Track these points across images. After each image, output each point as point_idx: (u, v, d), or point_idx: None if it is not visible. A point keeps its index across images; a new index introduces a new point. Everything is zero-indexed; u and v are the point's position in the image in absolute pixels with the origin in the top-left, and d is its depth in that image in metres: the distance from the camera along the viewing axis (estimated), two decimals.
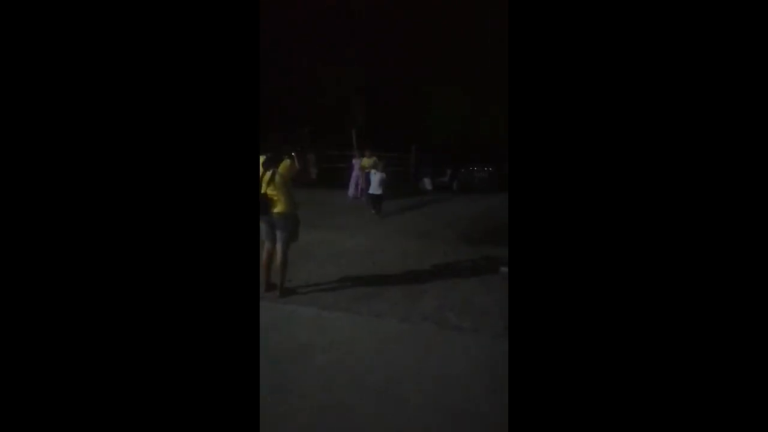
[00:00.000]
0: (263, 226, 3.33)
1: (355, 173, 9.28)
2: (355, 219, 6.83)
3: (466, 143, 12.37)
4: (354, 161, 9.52)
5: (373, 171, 7.36)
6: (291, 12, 11.43)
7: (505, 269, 4.17)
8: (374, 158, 9.07)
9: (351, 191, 9.26)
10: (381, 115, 13.29)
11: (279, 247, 3.32)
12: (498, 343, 2.51)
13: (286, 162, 3.30)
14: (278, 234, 3.30)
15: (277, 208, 3.22)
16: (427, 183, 11.16)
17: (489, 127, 12.18)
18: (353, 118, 12.84)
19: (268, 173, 3.22)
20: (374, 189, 7.26)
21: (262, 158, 3.22)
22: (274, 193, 3.22)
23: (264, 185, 3.20)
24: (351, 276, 3.92)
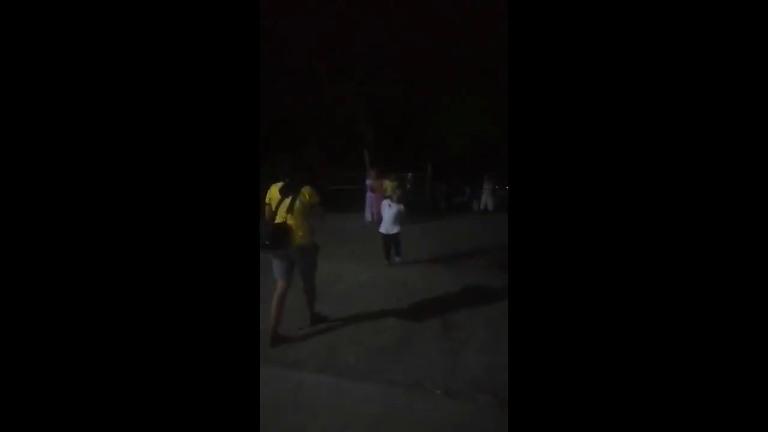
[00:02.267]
0: (277, 262, 2.84)
1: (369, 195, 8.50)
2: (370, 246, 6.11)
3: (483, 159, 11.68)
4: (367, 182, 8.72)
5: (387, 202, 5.13)
6: (292, 24, 11.07)
7: None
8: (397, 182, 8.03)
9: (367, 215, 8.48)
10: (392, 132, 12.74)
11: (305, 279, 2.95)
12: None
13: (307, 190, 2.87)
14: (301, 265, 2.88)
15: (298, 240, 2.78)
16: (490, 203, 9.62)
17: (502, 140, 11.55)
18: (363, 135, 12.31)
19: (287, 200, 2.79)
20: (387, 227, 5.00)
21: (279, 185, 2.87)
22: (294, 222, 2.78)
23: (282, 213, 2.77)
24: (371, 319, 3.22)
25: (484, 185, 9.76)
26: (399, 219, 5.05)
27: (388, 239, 5.07)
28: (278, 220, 2.76)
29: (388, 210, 5.06)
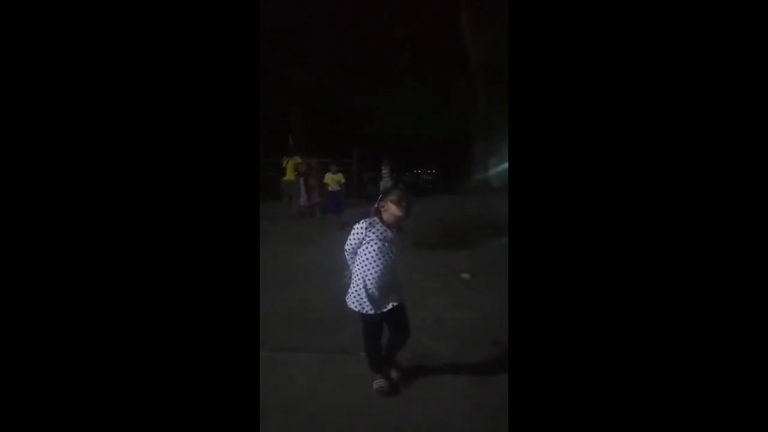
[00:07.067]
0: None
1: (300, 182, 8.34)
2: (302, 231, 6.25)
3: (410, 146, 12.19)
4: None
5: (380, 233, 2.12)
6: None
7: (465, 276, 4.06)
8: (340, 174, 6.80)
9: (302, 200, 8.34)
10: (322, 119, 12.68)
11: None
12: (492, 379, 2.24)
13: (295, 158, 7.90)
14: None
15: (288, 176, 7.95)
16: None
17: (432, 129, 12.12)
18: (293, 125, 12.08)
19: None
20: (379, 296, 2.06)
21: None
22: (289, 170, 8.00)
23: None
24: (302, 299, 3.47)
25: (382, 170, 9.86)
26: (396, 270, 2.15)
27: (378, 325, 2.15)
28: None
29: (384, 252, 2.10)
